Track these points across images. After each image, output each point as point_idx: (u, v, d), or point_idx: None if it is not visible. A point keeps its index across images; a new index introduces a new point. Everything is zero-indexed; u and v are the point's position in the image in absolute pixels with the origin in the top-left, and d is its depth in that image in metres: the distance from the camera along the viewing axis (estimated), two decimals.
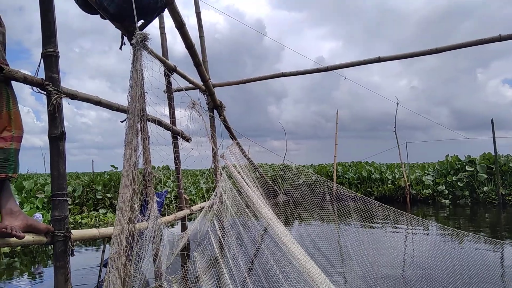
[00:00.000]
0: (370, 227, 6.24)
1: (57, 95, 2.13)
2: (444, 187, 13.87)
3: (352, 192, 5.22)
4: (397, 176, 15.02)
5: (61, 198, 2.22)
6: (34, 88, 2.17)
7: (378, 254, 4.76)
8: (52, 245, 2.24)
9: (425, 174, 15.09)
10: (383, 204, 4.57)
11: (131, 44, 2.48)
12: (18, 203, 2.22)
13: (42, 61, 2.22)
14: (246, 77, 6.61)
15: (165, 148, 3.35)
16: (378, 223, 7.24)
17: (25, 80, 2.08)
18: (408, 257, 5.84)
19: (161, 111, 3.31)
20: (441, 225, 4.93)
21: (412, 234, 7.61)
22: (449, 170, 14.52)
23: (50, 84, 2.13)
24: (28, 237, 2.07)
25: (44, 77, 2.19)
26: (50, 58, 2.17)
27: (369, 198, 4.77)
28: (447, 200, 13.46)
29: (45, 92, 2.16)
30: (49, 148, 2.19)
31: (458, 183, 13.72)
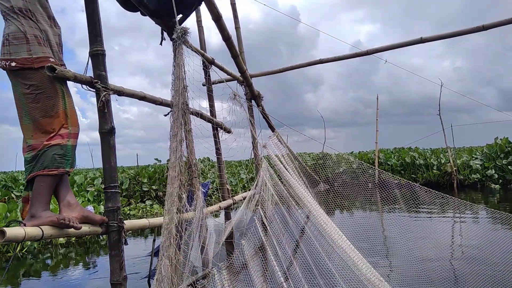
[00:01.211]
0: (415, 215, 6.09)
1: (105, 92, 2.22)
2: (493, 171, 13.26)
3: (396, 178, 5.10)
4: (442, 161, 14.46)
5: (113, 190, 2.33)
6: (84, 86, 2.28)
7: (424, 242, 4.63)
8: (106, 235, 2.36)
9: (473, 159, 14.45)
10: (429, 189, 4.43)
11: (172, 39, 2.53)
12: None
13: (89, 59, 2.32)
14: (281, 66, 6.56)
15: (207, 140, 3.41)
16: (423, 210, 7.04)
17: (75, 78, 2.19)
18: (456, 246, 5.65)
19: (201, 103, 3.37)
20: (492, 209, 4.71)
21: (460, 221, 7.35)
22: (498, 153, 13.82)
23: (98, 82, 2.23)
24: (85, 228, 2.19)
25: (92, 75, 2.29)
26: (98, 56, 2.26)
27: (414, 183, 4.64)
28: (497, 185, 12.86)
29: (94, 90, 2.26)
30: (101, 143, 2.30)
31: (509, 166, 13.04)
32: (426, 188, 4.49)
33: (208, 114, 4.60)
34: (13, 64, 2.07)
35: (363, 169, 5.65)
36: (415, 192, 4.60)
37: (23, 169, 2.26)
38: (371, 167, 5.85)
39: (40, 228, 1.95)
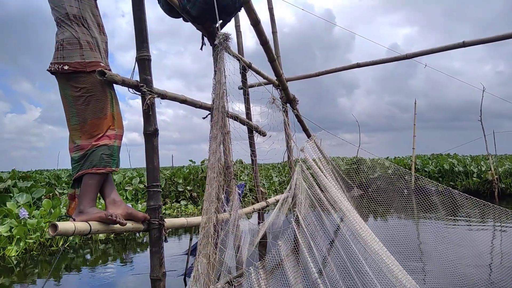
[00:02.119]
0: (453, 224, 5.91)
1: (150, 95, 2.33)
2: None
3: (434, 184, 4.96)
4: (483, 168, 13.92)
5: (155, 189, 2.43)
6: (130, 89, 2.40)
7: (462, 251, 4.50)
8: (146, 232, 2.46)
9: None
10: (469, 196, 4.29)
11: (213, 45, 2.62)
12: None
13: (136, 64, 2.44)
14: (316, 69, 6.54)
15: (241, 142, 3.47)
16: (462, 218, 6.82)
17: (123, 82, 2.31)
18: (495, 254, 5.44)
19: (236, 106, 3.43)
20: None
21: (501, 230, 7.05)
22: None
23: (144, 86, 2.34)
24: (129, 224, 2.30)
25: (138, 79, 2.41)
26: (144, 61, 2.38)
27: (452, 189, 4.50)
28: None
29: (139, 93, 2.38)
30: (145, 144, 2.41)
31: None
32: (465, 194, 4.36)
33: (244, 117, 4.68)
34: (66, 67, 2.21)
35: (399, 174, 5.53)
36: (454, 199, 4.47)
37: (66, 167, 2.40)
38: (408, 172, 5.73)
39: (88, 223, 2.08)
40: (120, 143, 2.35)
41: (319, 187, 3.91)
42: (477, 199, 4.21)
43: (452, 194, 4.43)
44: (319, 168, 3.98)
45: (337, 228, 3.83)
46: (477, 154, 18.72)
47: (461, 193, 4.40)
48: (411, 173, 6.13)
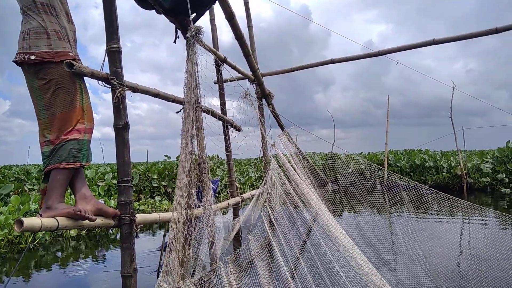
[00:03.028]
0: (424, 218, 6.08)
1: (121, 88, 2.28)
2: (504, 175, 13.12)
3: (405, 179, 5.09)
4: (453, 164, 14.35)
5: (126, 184, 2.39)
6: (100, 82, 2.34)
7: (432, 245, 4.64)
8: (117, 228, 2.42)
9: (484, 162, 14.30)
10: (438, 191, 4.43)
11: (186, 38, 2.59)
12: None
13: (106, 56, 2.38)
14: (292, 65, 6.58)
15: (216, 137, 3.46)
16: (432, 213, 7.02)
17: (93, 75, 2.25)
18: (464, 249, 5.63)
19: (212, 101, 3.42)
20: (500, 212, 4.68)
21: (469, 223, 7.30)
22: (510, 157, 13.71)
23: (114, 78, 2.29)
24: (98, 220, 2.25)
25: (108, 72, 2.36)
26: (114, 53, 2.33)
27: (422, 185, 4.63)
28: (508, 189, 12.72)
29: (109, 86, 2.32)
30: (115, 138, 2.36)
31: None
32: (434, 190, 4.49)
33: (219, 112, 4.65)
34: (33, 57, 2.13)
35: (372, 170, 5.64)
36: (424, 195, 4.60)
37: (36, 162, 2.33)
38: (380, 168, 5.85)
39: (56, 219, 2.02)
40: (90, 137, 2.29)
41: (290, 183, 3.95)
42: (445, 194, 4.35)
43: (421, 189, 4.56)
44: (290, 163, 4.00)
45: (309, 226, 3.87)
46: (447, 150, 19.29)
47: (429, 188, 4.54)
48: (383, 169, 6.27)
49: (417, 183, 4.73)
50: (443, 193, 4.37)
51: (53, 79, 2.15)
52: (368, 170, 5.91)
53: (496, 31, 4.63)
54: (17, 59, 2.16)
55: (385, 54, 5.22)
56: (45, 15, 2.19)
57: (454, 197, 4.30)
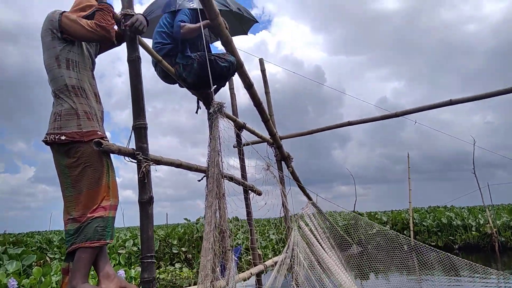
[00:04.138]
0: (456, 279, 5.75)
1: (146, 163, 2.32)
2: None
3: (434, 250, 4.91)
4: (481, 221, 13.68)
5: (150, 260, 2.34)
6: (126, 157, 2.38)
7: None
8: None
9: None
10: (470, 262, 4.25)
11: (209, 113, 2.65)
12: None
13: (132, 132, 2.45)
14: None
15: (235, 198, 3.44)
16: (464, 274, 6.64)
17: (120, 151, 2.30)
18: None
19: (231, 163, 3.43)
20: None
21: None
22: None
23: (140, 154, 2.33)
24: None
25: (134, 147, 2.41)
26: (140, 130, 2.39)
27: (453, 256, 4.46)
28: None
29: (135, 161, 2.36)
30: (139, 213, 2.35)
31: None
32: (466, 261, 4.32)
33: (239, 177, 4.65)
34: (63, 137, 2.20)
35: (400, 242, 5.47)
36: (455, 264, 4.43)
37: (57, 228, 2.32)
38: (407, 239, 5.69)
39: None
40: (114, 214, 2.29)
41: (313, 253, 3.87)
42: (477, 264, 4.20)
43: (452, 260, 4.42)
44: (313, 233, 3.95)
45: None
46: (474, 205, 18.61)
47: (460, 259, 4.39)
48: (409, 239, 6.12)
49: (446, 253, 4.58)
50: (474, 263, 4.22)
51: (82, 157, 2.21)
52: (393, 233, 5.72)
53: None
54: (47, 139, 2.24)
55: (403, 115, 5.24)
56: (75, 98, 2.30)
57: (486, 267, 4.14)
